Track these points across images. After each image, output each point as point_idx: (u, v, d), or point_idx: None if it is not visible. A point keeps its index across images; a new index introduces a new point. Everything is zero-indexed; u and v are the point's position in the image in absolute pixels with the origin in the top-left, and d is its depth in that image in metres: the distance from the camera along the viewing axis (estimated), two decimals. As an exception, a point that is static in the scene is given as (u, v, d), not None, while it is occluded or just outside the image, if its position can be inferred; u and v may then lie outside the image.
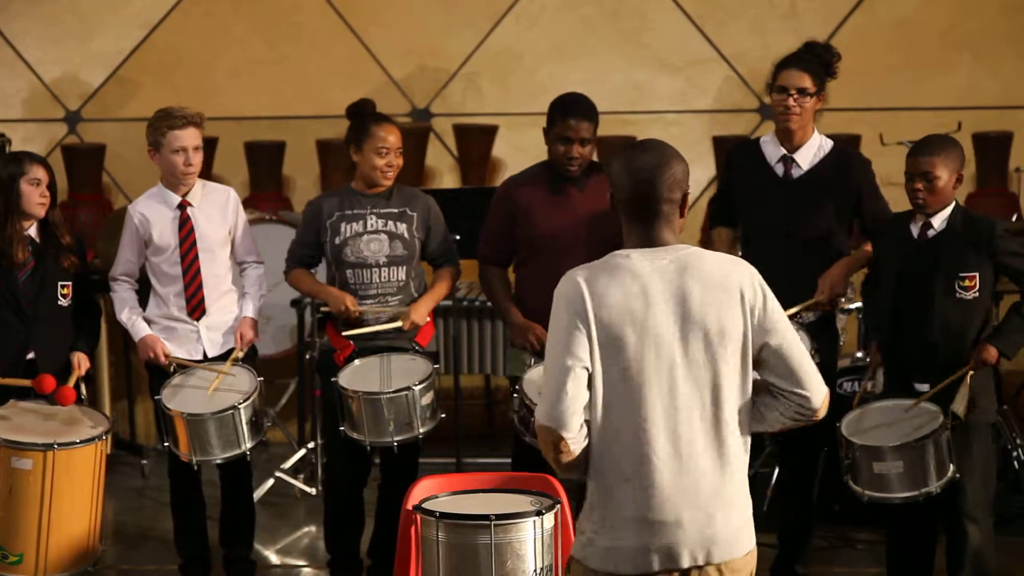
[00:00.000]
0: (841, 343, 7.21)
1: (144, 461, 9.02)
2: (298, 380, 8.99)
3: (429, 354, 6.87)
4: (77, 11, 10.17)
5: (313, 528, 8.06)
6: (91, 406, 7.01)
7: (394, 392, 6.57)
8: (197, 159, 6.88)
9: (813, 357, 6.34)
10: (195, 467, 6.74)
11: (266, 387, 6.95)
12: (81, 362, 6.85)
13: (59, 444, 6.48)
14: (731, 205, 6.89)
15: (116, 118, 10.05)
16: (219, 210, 6.97)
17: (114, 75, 10.18)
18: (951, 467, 6.11)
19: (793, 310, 6.47)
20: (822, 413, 4.29)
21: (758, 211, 6.75)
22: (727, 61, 9.88)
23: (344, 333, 6.79)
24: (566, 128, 6.65)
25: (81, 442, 6.54)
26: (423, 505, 5.58)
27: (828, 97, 6.81)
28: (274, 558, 7.73)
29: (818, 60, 6.70)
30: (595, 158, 6.82)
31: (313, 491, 8.44)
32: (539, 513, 5.46)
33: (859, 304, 8.05)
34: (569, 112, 6.67)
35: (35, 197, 6.76)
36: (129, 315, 6.96)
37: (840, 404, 7.02)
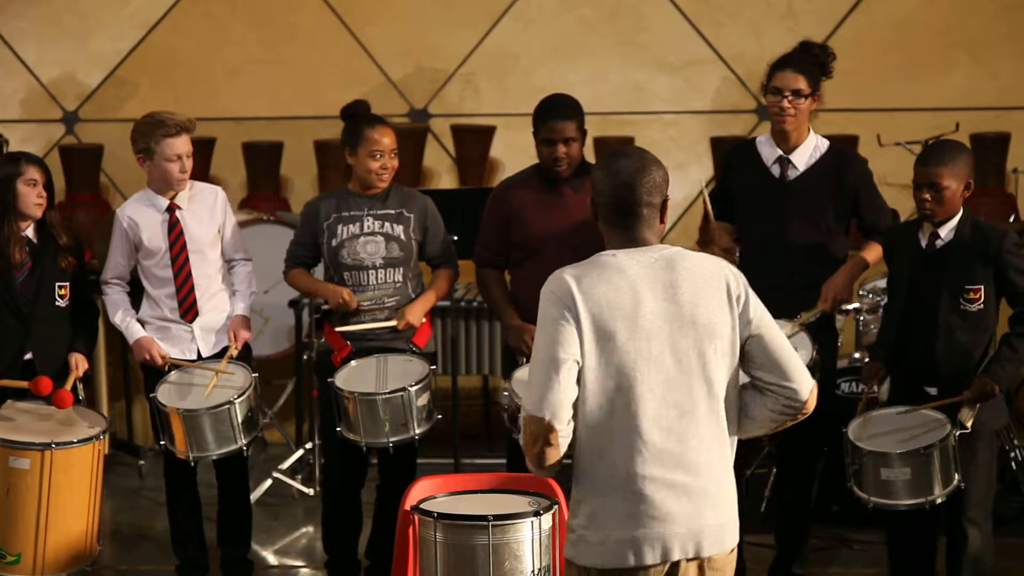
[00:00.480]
0: (839, 343, 7.20)
1: (141, 461, 9.02)
2: (296, 381, 8.97)
3: (426, 355, 6.86)
4: (75, 11, 10.16)
5: (311, 528, 8.06)
6: (89, 406, 7.01)
7: (390, 393, 6.56)
8: (190, 165, 6.88)
9: (813, 357, 6.41)
10: (192, 463, 6.75)
11: (264, 388, 6.95)
12: (79, 363, 6.84)
13: (57, 444, 6.48)
14: (730, 206, 6.89)
15: (114, 119, 10.03)
16: (207, 210, 6.96)
17: (112, 75, 10.17)
18: (956, 476, 6.09)
19: (800, 319, 6.47)
20: (811, 406, 4.30)
21: (755, 212, 6.75)
22: (725, 62, 9.87)
23: (338, 329, 6.78)
24: (548, 131, 6.65)
25: (79, 442, 6.54)
26: (421, 505, 5.58)
27: (824, 97, 6.80)
28: (272, 558, 7.72)
29: (813, 61, 6.68)
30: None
31: (311, 491, 8.44)
32: (537, 514, 5.46)
33: (857, 305, 8.05)
34: (548, 115, 6.67)
35: (32, 198, 6.76)
36: (123, 317, 6.96)
37: (839, 404, 7.03)
